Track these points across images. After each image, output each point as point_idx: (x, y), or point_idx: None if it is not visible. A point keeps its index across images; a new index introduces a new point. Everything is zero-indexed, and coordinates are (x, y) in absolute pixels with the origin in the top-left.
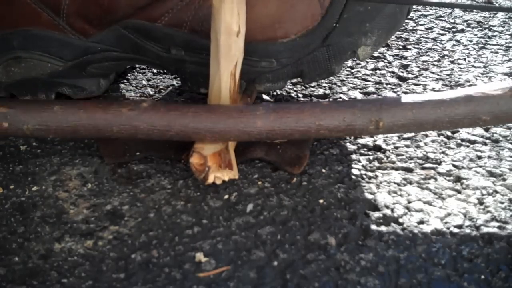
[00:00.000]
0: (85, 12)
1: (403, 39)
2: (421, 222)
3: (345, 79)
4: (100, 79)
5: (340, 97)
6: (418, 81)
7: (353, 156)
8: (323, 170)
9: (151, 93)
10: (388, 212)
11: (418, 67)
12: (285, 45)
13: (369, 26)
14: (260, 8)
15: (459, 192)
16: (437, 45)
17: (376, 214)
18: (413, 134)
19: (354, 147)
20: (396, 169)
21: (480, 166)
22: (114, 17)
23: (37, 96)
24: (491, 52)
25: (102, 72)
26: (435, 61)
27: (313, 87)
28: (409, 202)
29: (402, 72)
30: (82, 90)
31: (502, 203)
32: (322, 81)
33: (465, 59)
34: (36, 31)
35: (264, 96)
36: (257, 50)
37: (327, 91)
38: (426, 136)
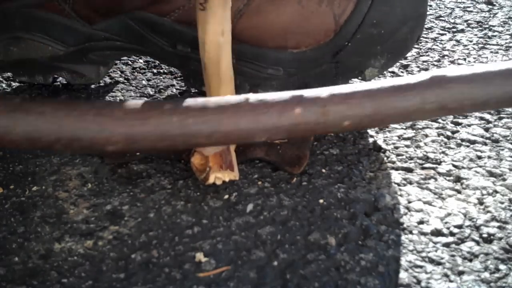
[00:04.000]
0: (93, 0)
1: None
2: (421, 222)
3: None
4: (100, 66)
5: None
6: None
7: (353, 156)
8: (323, 170)
9: (151, 93)
10: (388, 212)
11: (418, 67)
12: (294, 56)
13: (380, 49)
14: (275, 16)
15: (459, 192)
16: (437, 45)
17: (376, 214)
18: (413, 134)
19: (354, 147)
20: (396, 169)
21: (480, 166)
22: (123, 9)
23: (34, 78)
24: (491, 52)
25: (103, 59)
26: (435, 61)
27: None
28: (409, 202)
29: (402, 72)
30: (81, 76)
31: (502, 203)
32: None
33: (465, 59)
34: (39, 13)
35: None
36: (266, 56)
37: None
38: (426, 136)
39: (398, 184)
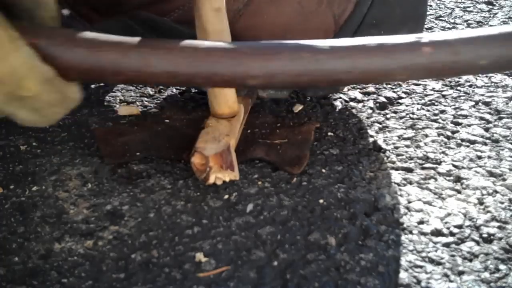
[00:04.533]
0: (93, 0)
1: None
2: (421, 222)
3: None
4: None
5: (340, 97)
6: (418, 81)
7: (353, 156)
8: (323, 170)
9: (151, 93)
10: (388, 212)
11: None
12: None
13: None
14: (274, 16)
15: (459, 192)
16: None
17: (376, 214)
18: (413, 134)
19: (354, 147)
20: (396, 169)
21: (480, 166)
22: (123, 9)
23: None
24: None
25: None
26: None
27: None
28: (409, 202)
29: None
30: None
31: (502, 203)
32: None
33: None
34: None
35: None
36: None
37: None
38: (426, 136)
39: (398, 184)
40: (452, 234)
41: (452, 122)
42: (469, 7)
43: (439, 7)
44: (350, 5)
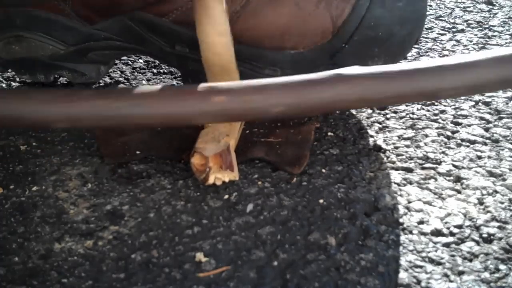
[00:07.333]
0: (92, 1)
1: None
2: (421, 222)
3: None
4: (100, 65)
5: None
6: None
7: (353, 156)
8: (323, 170)
9: None
10: (388, 212)
11: None
12: (291, 56)
13: (377, 52)
14: (272, 17)
15: (459, 192)
16: (437, 45)
17: (376, 214)
18: (413, 134)
19: (354, 147)
20: (396, 169)
21: (480, 166)
22: (122, 10)
23: (35, 77)
24: None
25: (103, 59)
26: None
27: None
28: (409, 202)
29: None
30: (82, 75)
31: (502, 203)
32: None
33: None
34: (40, 13)
35: None
36: (262, 57)
37: None
38: (426, 136)
39: (398, 184)
40: (452, 234)
41: (452, 122)
42: (469, 7)
43: (439, 7)
44: (348, 7)
